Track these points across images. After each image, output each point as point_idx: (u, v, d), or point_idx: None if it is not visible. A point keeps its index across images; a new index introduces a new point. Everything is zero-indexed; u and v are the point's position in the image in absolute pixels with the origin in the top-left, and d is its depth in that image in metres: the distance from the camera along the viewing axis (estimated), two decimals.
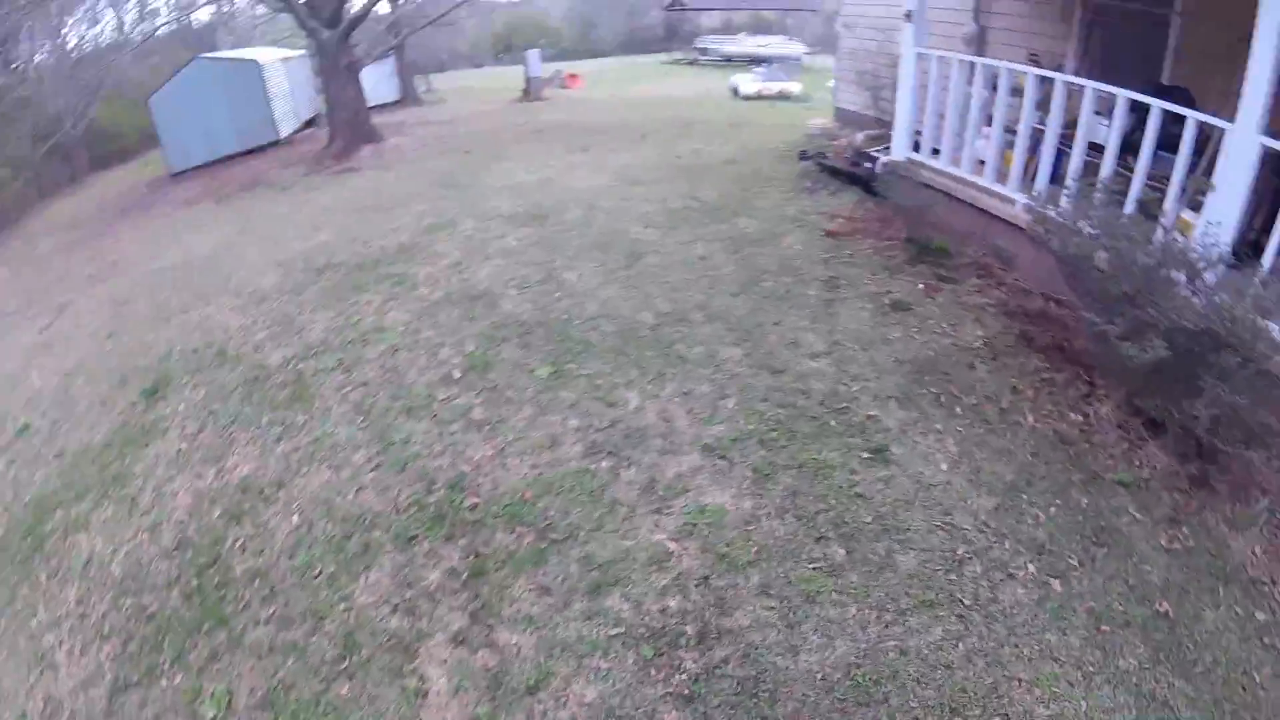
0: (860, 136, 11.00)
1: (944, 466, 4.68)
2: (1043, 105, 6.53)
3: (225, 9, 30.10)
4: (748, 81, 22.45)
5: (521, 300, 6.75)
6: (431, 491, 4.75)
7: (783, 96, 21.60)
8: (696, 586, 3.93)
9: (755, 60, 33.72)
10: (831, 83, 14.14)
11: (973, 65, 7.11)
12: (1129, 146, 6.09)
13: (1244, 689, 3.43)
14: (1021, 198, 6.66)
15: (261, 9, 24.69)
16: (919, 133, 7.86)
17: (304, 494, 4.94)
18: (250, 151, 17.74)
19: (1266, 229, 4.87)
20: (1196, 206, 5.71)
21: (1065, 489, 4.48)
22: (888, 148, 8.80)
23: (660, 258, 7.38)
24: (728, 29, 43.93)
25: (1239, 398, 3.95)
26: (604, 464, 4.75)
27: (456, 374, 5.82)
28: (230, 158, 17.57)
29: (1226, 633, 3.65)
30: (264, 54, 20.03)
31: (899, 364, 5.58)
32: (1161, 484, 4.48)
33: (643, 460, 4.74)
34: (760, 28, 42.76)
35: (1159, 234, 4.92)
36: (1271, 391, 4.11)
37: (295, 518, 4.78)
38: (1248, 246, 5.22)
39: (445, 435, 5.18)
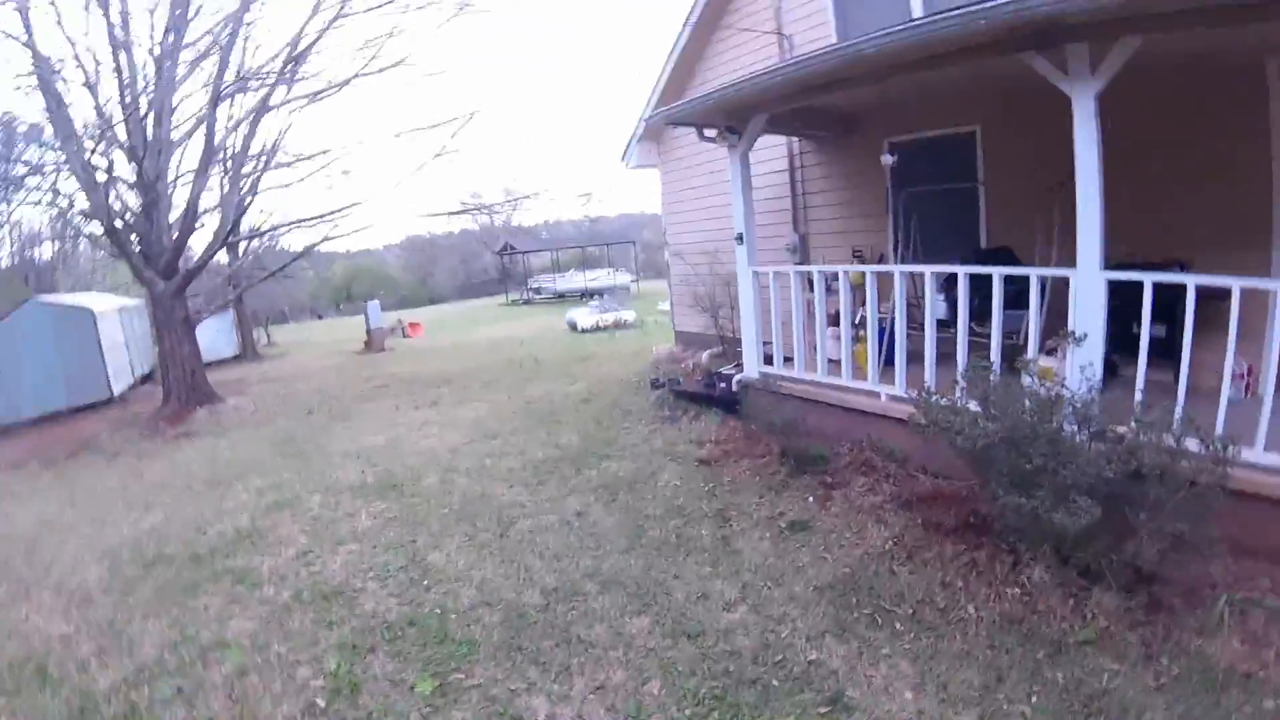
0: (705, 356, 11.00)
1: (909, 695, 4.01)
2: (883, 295, 6.56)
3: (66, 247, 28.37)
4: (584, 315, 22.95)
5: (384, 595, 5.74)
6: None
7: (619, 325, 22.11)
8: None
9: (587, 293, 35.11)
10: (664, 304, 14.47)
11: (807, 274, 7.18)
12: (971, 314, 6.16)
13: None
14: (884, 389, 6.50)
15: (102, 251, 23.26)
16: (768, 344, 7.75)
17: None
18: (81, 409, 15.84)
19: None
20: (1051, 351, 5.73)
21: (1037, 671, 3.99)
22: (739, 365, 8.71)
23: (533, 521, 6.64)
24: (557, 267, 46.13)
25: (1179, 524, 4.00)
26: None
27: (320, 701, 4.65)
28: (60, 414, 15.56)
29: None
30: (99, 301, 18.44)
31: (819, 591, 4.99)
32: (1123, 626, 4.17)
33: None
34: (588, 262, 45.13)
35: (1038, 389, 4.78)
36: (1203, 503, 4.07)
37: None
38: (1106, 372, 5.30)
39: None
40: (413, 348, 21.70)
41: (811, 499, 6.19)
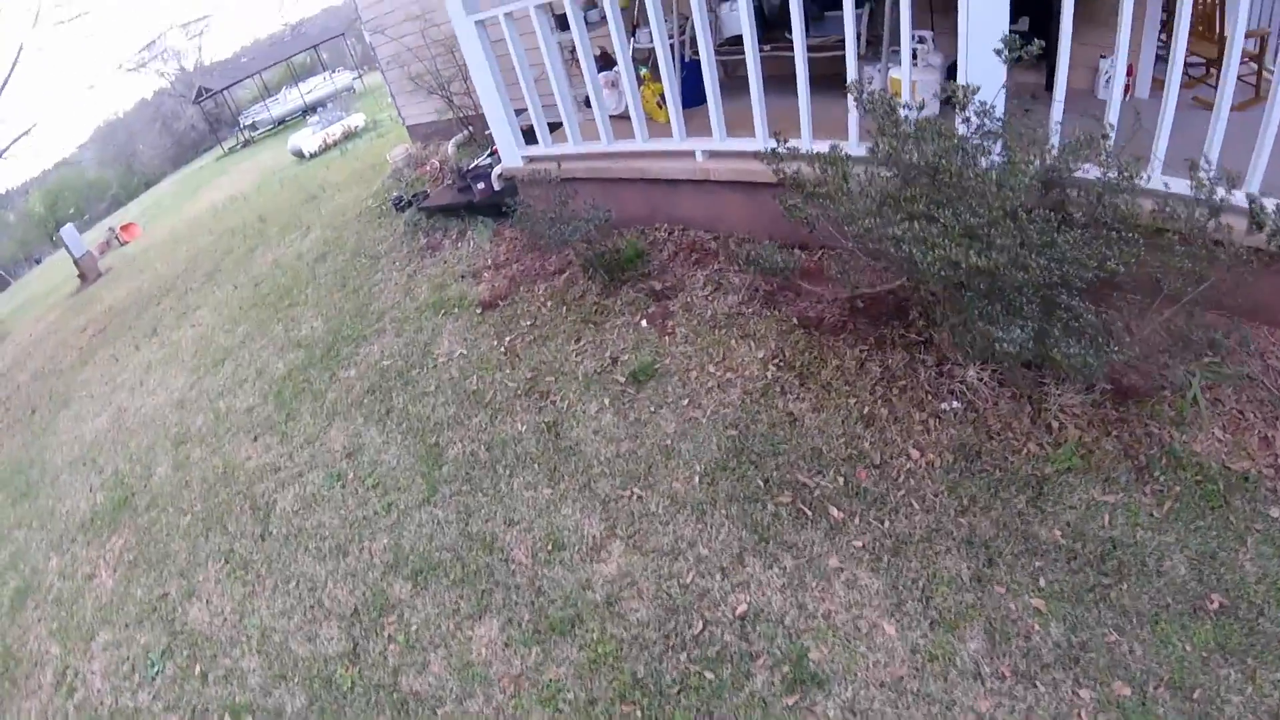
0: (450, 149, 8.42)
1: (890, 629, 2.74)
2: (670, 8, 4.34)
3: None
4: (308, 137, 18.80)
5: (161, 712, 3.63)
6: None
7: (349, 135, 18.32)
8: None
9: (309, 110, 29.63)
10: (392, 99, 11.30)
11: (550, 3, 4.74)
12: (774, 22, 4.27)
13: None
14: (698, 144, 4.49)
15: None
16: (524, 111, 5.38)
17: None
18: None
19: None
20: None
21: (1028, 531, 2.86)
22: (495, 154, 6.32)
23: (295, 491, 4.44)
24: (267, 92, 38.51)
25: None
26: None
27: None
28: None
29: None
30: None
31: (708, 481, 3.35)
32: (1096, 433, 3.06)
33: None
34: (300, 75, 37.81)
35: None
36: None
37: None
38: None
39: None
40: (131, 258, 16.97)
41: (645, 322, 4.29)
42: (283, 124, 32.08)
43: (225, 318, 7.57)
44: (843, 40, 3.83)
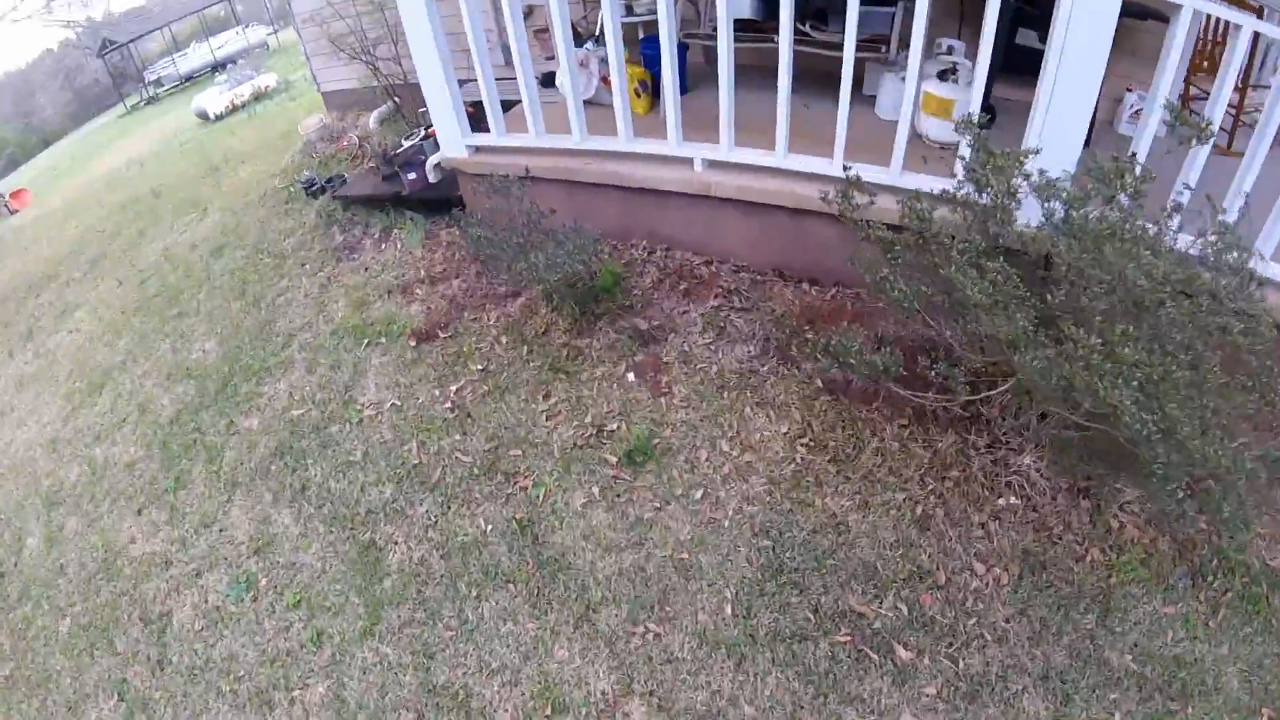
0: (373, 124, 7.21)
1: None
2: None
3: None
4: (214, 98, 16.80)
5: None
6: None
7: (259, 97, 16.47)
8: None
9: (218, 67, 27.05)
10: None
11: None
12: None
13: None
14: (699, 151, 3.55)
15: None
16: (469, 82, 4.28)
17: None
18: None
19: None
20: (944, 75, 3.22)
21: (1104, 668, 2.45)
22: (428, 134, 5.21)
23: (196, 601, 3.38)
24: (176, 45, 35.03)
25: None
26: None
27: None
28: None
29: None
30: None
31: (741, 607, 2.49)
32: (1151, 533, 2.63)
33: None
34: (211, 28, 34.47)
35: None
36: None
37: None
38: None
39: None
40: (19, 230, 14.70)
41: (631, 375, 3.36)
42: (190, 80, 29.28)
43: (106, 325, 6.22)
44: (872, 39, 3.01)
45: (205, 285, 5.90)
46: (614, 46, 3.43)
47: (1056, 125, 2.69)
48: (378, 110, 7.33)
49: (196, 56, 31.30)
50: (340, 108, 8.41)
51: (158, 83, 31.80)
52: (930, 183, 3.16)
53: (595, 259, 3.54)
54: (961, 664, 2.45)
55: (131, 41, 33.71)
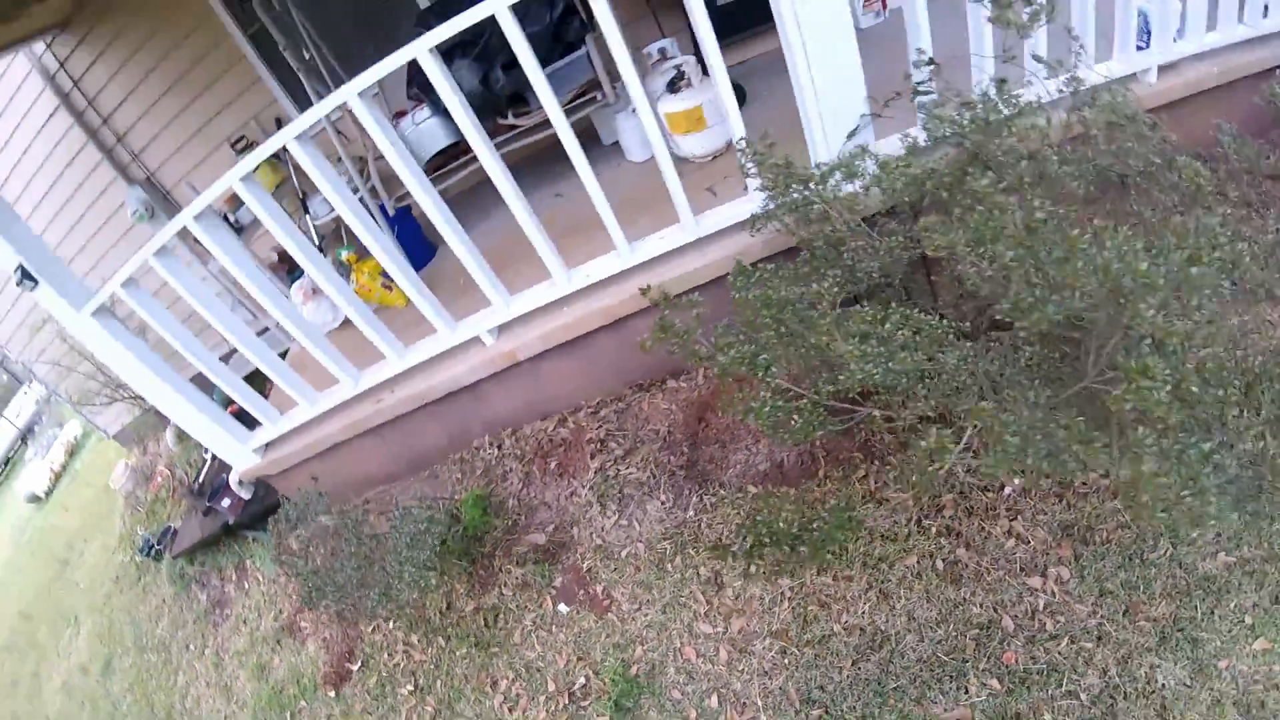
0: (172, 443, 6.38)
1: None
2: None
3: None
4: (36, 476, 15.00)
5: None
6: None
7: (73, 452, 14.95)
8: None
9: (24, 438, 24.78)
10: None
11: (182, 231, 2.90)
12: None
13: None
14: (481, 325, 2.93)
15: None
16: (230, 351, 3.53)
17: None
18: None
19: None
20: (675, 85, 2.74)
21: None
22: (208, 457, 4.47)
23: None
24: None
25: None
26: None
27: None
28: None
29: None
30: None
31: None
32: None
33: None
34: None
35: None
36: None
37: None
38: None
39: None
40: None
41: (563, 606, 2.69)
42: (6, 464, 26.92)
43: None
44: (582, 91, 2.50)
45: (115, 714, 4.93)
46: (318, 271, 2.77)
47: (829, 89, 2.25)
48: (169, 427, 6.44)
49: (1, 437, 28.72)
50: (132, 441, 7.43)
51: None
52: (733, 212, 2.65)
53: (449, 510, 2.86)
54: (1083, 694, 1.93)
55: None
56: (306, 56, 3.96)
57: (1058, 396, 1.65)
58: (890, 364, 1.66)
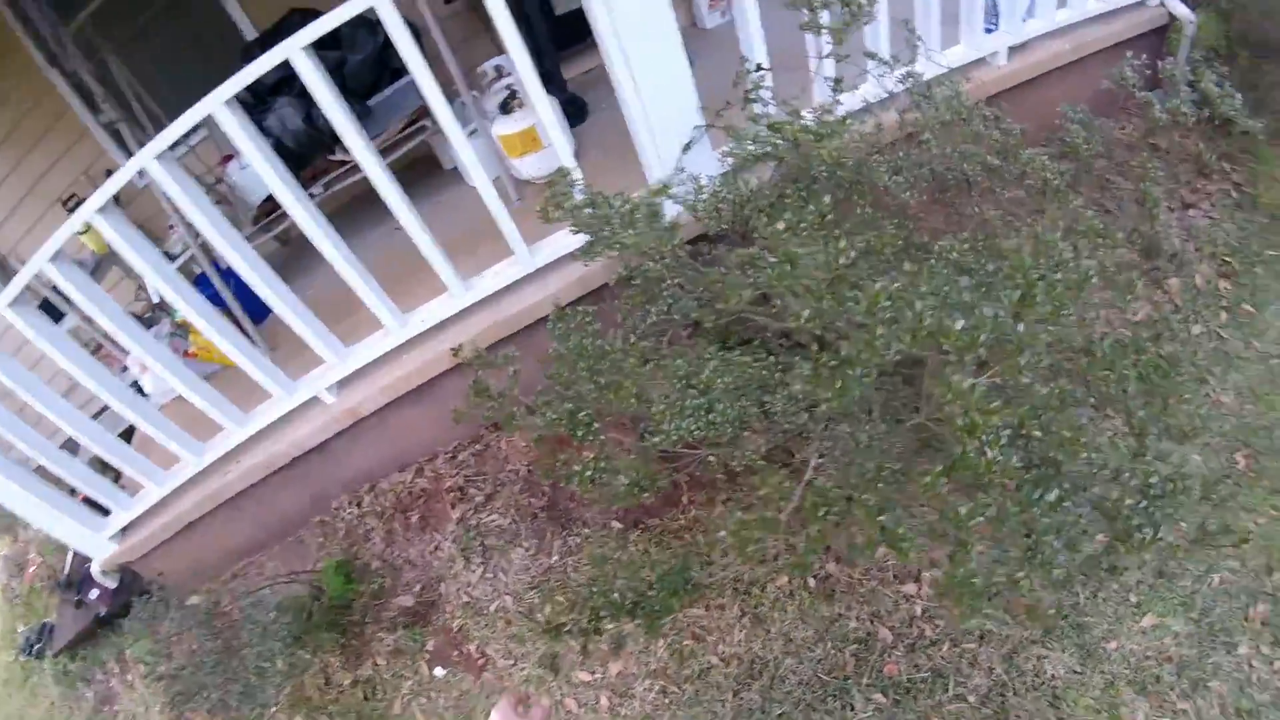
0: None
1: None
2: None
3: None
4: None
5: None
6: None
7: None
8: None
9: None
10: None
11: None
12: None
13: None
14: (318, 384, 2.74)
15: None
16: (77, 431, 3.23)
17: None
18: None
19: None
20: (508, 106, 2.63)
21: None
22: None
23: None
24: None
25: None
26: None
27: None
28: None
29: None
30: None
31: None
32: None
33: None
34: None
35: None
36: None
37: None
38: None
39: None
40: None
41: (439, 670, 2.55)
42: None
43: None
44: (415, 119, 2.36)
45: None
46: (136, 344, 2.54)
47: (656, 98, 2.15)
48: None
49: None
50: (4, 529, 6.85)
51: None
52: (566, 242, 2.54)
53: (312, 582, 2.68)
54: (971, 696, 1.92)
55: None
56: (134, 106, 3.66)
57: (893, 433, 1.59)
58: (710, 416, 1.58)
